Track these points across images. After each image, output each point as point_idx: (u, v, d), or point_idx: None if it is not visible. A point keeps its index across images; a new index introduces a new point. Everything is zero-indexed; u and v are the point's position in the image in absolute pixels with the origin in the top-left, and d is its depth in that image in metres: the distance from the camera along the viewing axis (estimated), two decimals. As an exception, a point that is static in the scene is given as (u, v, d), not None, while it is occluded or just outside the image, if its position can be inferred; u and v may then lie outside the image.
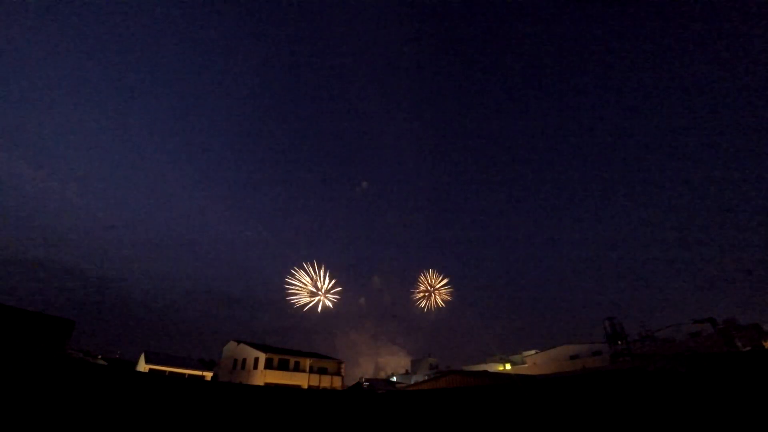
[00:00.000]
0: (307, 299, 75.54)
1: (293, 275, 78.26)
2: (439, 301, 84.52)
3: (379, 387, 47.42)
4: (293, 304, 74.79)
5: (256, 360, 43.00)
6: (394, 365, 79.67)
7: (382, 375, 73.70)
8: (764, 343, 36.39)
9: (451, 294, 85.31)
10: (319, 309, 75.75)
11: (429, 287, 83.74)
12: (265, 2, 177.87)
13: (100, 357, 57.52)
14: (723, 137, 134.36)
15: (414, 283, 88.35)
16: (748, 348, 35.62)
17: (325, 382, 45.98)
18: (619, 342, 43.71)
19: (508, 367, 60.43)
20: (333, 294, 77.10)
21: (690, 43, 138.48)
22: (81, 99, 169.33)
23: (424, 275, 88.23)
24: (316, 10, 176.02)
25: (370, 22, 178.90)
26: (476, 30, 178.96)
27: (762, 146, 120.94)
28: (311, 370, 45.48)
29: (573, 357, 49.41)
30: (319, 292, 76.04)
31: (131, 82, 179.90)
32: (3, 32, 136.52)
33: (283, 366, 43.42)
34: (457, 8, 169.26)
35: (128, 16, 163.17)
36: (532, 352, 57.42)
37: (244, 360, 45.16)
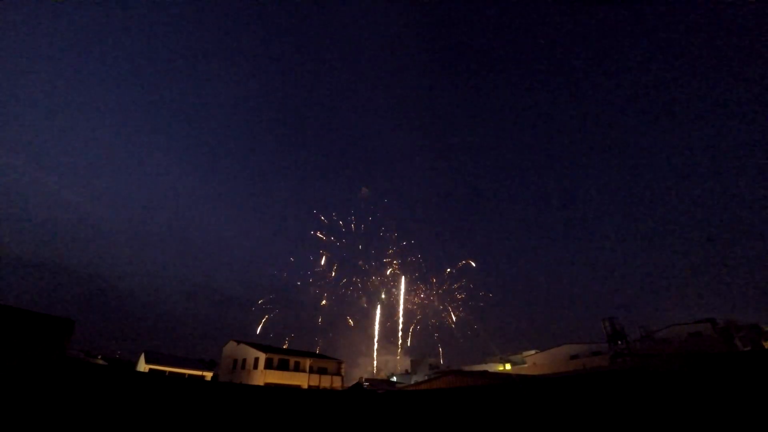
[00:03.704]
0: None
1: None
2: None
3: (379, 387, 47.40)
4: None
5: (256, 360, 42.98)
6: (393, 365, 79.56)
7: (382, 375, 73.57)
8: (764, 343, 36.38)
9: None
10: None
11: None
12: (265, 4, 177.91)
13: (100, 357, 57.52)
14: (723, 137, 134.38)
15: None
16: (748, 348, 35.60)
17: (325, 382, 45.96)
18: (619, 342, 43.65)
19: (508, 367, 60.39)
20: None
21: (693, 41, 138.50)
22: (81, 99, 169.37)
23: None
24: (317, 14, 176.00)
25: (371, 24, 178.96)
26: (478, 30, 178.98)
27: (763, 146, 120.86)
28: (311, 370, 45.46)
29: (573, 357, 49.37)
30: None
31: (131, 82, 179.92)
32: (3, 32, 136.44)
33: (283, 366, 43.41)
34: (459, 9, 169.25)
35: (129, 17, 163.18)
36: (532, 352, 57.37)
37: (244, 360, 45.14)
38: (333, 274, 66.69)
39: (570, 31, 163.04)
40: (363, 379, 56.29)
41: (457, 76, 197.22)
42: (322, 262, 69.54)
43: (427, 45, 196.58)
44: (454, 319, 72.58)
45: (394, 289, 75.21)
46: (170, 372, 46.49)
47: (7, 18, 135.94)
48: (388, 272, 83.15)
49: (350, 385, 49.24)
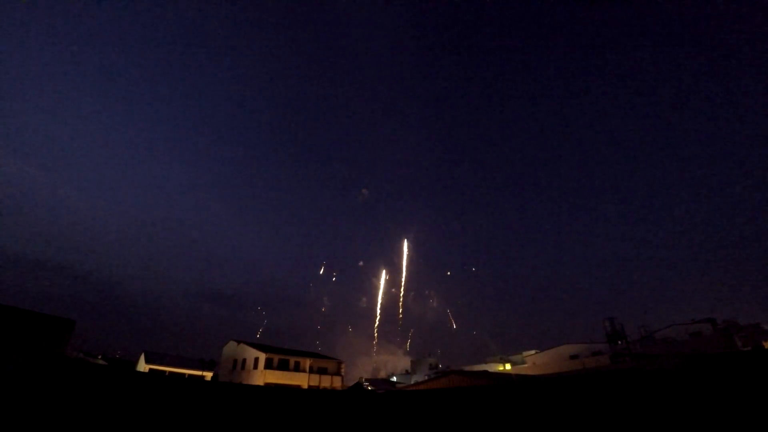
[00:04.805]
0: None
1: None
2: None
3: (379, 387, 47.39)
4: None
5: (256, 360, 42.93)
6: (393, 365, 79.54)
7: (382, 375, 73.56)
8: (764, 343, 36.36)
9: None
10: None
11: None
12: (266, 4, 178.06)
13: (100, 357, 57.46)
14: (723, 138, 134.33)
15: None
16: (748, 348, 35.58)
17: (325, 382, 45.91)
18: (619, 342, 43.63)
19: (508, 367, 60.37)
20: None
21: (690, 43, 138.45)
22: (82, 99, 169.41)
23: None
24: (316, 15, 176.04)
25: (371, 25, 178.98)
26: (478, 32, 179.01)
27: (762, 147, 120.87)
28: (311, 370, 45.41)
29: (573, 357, 49.35)
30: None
31: (133, 82, 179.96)
32: (4, 32, 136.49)
33: (283, 366, 43.34)
34: (458, 10, 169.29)
35: (129, 18, 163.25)
36: (532, 352, 57.35)
37: (244, 360, 45.09)
38: (334, 278, 66.90)
39: (570, 29, 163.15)
40: (363, 379, 56.28)
41: (458, 76, 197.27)
42: (323, 266, 69.79)
43: (428, 44, 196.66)
44: (454, 325, 72.56)
45: (393, 289, 75.14)
46: (170, 372, 46.53)
47: (8, 18, 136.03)
48: (387, 277, 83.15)
49: (350, 385, 49.28)
